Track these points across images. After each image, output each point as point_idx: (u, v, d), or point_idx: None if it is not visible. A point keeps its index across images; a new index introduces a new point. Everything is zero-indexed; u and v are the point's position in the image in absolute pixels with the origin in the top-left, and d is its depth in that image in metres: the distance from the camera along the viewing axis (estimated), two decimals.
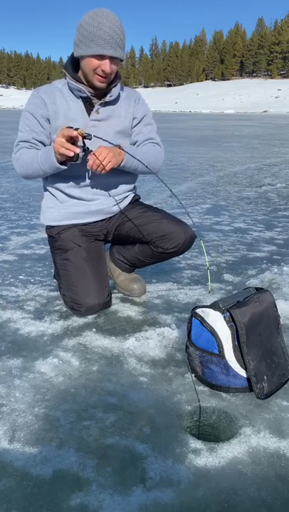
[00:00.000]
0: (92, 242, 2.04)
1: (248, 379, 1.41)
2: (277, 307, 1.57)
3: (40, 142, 1.89)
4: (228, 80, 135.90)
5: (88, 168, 1.78)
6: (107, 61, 1.72)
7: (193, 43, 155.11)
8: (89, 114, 1.87)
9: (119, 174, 1.94)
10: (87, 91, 1.83)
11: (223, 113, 55.03)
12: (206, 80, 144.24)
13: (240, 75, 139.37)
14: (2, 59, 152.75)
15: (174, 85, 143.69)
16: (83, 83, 1.83)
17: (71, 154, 1.67)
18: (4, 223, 3.59)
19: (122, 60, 1.80)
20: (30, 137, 1.88)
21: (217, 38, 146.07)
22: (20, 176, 1.95)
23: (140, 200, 2.19)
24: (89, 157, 1.76)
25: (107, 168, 1.76)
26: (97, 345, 1.75)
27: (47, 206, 2.04)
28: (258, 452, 1.20)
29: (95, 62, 1.73)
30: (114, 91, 1.87)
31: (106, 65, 1.72)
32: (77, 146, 1.70)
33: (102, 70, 1.73)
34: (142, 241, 2.02)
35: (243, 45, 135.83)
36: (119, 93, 1.91)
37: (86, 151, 1.75)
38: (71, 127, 1.69)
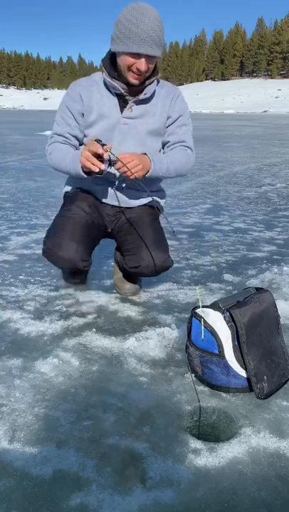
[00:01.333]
0: (95, 214, 2.00)
1: (248, 379, 1.41)
2: (277, 307, 1.57)
3: (73, 136, 1.91)
4: (228, 80, 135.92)
5: (115, 170, 1.77)
6: (143, 60, 1.69)
7: (193, 43, 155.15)
8: (122, 110, 1.86)
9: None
10: (121, 88, 1.81)
11: (223, 113, 55.03)
12: (206, 80, 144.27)
13: (240, 75, 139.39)
14: (2, 59, 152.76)
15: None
16: (118, 79, 1.81)
17: (96, 170, 1.67)
18: (4, 223, 3.59)
19: (159, 57, 1.76)
20: (64, 131, 1.90)
21: (217, 38, 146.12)
22: (50, 166, 1.95)
23: (158, 206, 2.12)
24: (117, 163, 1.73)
25: (136, 175, 1.73)
26: (97, 345, 1.75)
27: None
28: (258, 452, 1.20)
29: (131, 59, 1.70)
30: (150, 89, 1.83)
31: (141, 64, 1.69)
32: (103, 161, 1.69)
33: (138, 68, 1.70)
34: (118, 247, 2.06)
35: (243, 45, 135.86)
36: (154, 90, 1.87)
37: (112, 164, 1.76)
38: (99, 140, 1.70)
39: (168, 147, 1.97)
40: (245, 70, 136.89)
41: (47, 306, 2.09)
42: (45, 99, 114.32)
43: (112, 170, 1.83)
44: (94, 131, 1.86)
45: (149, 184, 1.93)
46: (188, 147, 1.97)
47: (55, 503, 1.04)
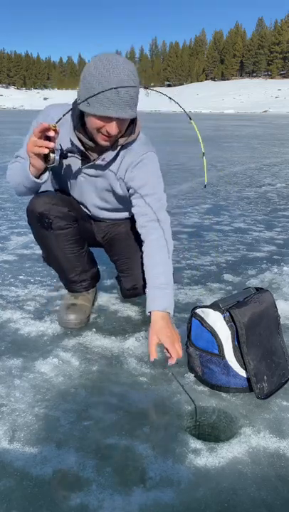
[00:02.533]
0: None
1: (248, 379, 1.41)
2: (277, 307, 1.57)
3: None
4: (228, 80, 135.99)
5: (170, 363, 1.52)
6: (114, 123, 1.46)
7: (193, 43, 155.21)
8: (83, 163, 1.69)
9: (114, 212, 1.87)
10: (83, 148, 1.62)
11: (223, 113, 55.03)
12: (206, 80, 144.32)
13: (240, 75, 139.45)
14: (2, 59, 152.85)
15: (174, 85, 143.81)
16: (85, 135, 1.60)
17: (45, 151, 1.45)
18: (4, 223, 3.59)
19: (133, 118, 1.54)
20: (26, 155, 1.63)
21: (217, 38, 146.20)
22: (15, 193, 1.76)
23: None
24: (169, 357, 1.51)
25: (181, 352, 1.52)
26: (97, 345, 1.75)
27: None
28: (258, 452, 1.20)
29: (99, 122, 1.47)
30: (108, 155, 1.63)
31: (112, 127, 1.47)
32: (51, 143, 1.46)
33: (107, 131, 1.49)
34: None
35: (243, 45, 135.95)
36: (117, 155, 1.66)
37: (63, 153, 1.58)
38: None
39: (137, 216, 1.73)
40: (245, 70, 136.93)
41: (47, 306, 2.09)
42: (45, 99, 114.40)
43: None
44: (56, 171, 1.72)
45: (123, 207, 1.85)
46: (157, 220, 1.69)
47: (55, 503, 1.04)
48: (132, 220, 1.94)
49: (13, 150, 1.95)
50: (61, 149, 1.56)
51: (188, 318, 1.53)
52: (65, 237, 1.78)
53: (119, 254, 1.91)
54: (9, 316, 1.97)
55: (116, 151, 1.64)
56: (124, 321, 1.96)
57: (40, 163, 1.50)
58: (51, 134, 1.43)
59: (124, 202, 1.81)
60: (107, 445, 1.22)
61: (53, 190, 1.83)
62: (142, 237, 1.72)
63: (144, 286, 1.67)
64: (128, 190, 1.73)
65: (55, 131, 1.44)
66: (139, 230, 1.73)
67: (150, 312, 1.57)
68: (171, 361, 1.49)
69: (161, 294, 1.59)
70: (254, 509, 1.03)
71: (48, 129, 1.43)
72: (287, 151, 10.23)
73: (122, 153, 1.67)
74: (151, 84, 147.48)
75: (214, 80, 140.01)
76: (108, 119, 1.46)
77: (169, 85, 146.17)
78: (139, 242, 1.80)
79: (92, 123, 1.50)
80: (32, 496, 1.05)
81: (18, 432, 1.26)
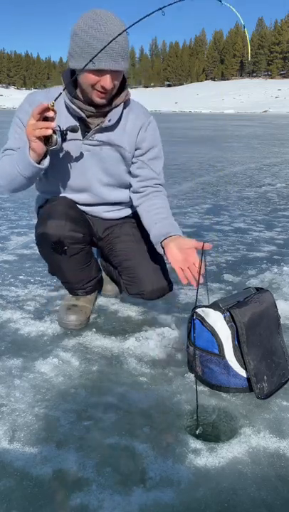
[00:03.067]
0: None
1: (248, 379, 1.41)
2: (278, 307, 1.57)
3: None
4: (228, 80, 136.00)
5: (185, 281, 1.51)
6: (108, 76, 1.46)
7: (193, 43, 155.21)
8: (84, 135, 1.64)
9: (118, 189, 1.82)
10: (83, 112, 1.59)
11: (223, 113, 55.04)
12: (206, 79, 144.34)
13: (240, 75, 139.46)
14: (2, 59, 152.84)
15: (174, 85, 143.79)
16: (81, 99, 1.59)
17: (49, 132, 1.41)
18: (4, 223, 3.59)
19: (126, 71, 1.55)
20: (16, 146, 1.63)
21: (217, 38, 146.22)
22: (5, 189, 1.67)
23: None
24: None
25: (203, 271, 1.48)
26: (97, 345, 1.75)
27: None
28: (258, 452, 1.20)
29: (93, 77, 1.47)
30: (114, 114, 1.61)
31: (106, 81, 1.47)
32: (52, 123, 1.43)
33: (102, 86, 1.48)
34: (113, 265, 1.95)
35: (243, 45, 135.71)
36: (121, 115, 1.65)
37: (64, 134, 1.51)
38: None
39: (138, 182, 1.76)
40: (245, 70, 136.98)
41: (47, 306, 2.09)
42: None
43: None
44: (53, 156, 1.59)
45: (123, 198, 1.85)
46: (160, 184, 1.78)
47: (55, 503, 1.04)
48: (134, 218, 1.94)
49: None
50: (61, 130, 1.50)
51: (188, 318, 1.53)
52: (76, 259, 1.78)
53: (123, 258, 1.84)
54: (9, 316, 1.97)
55: (121, 110, 1.64)
56: (124, 321, 1.96)
57: (41, 147, 1.46)
58: (50, 114, 1.41)
59: (128, 171, 1.79)
60: (107, 445, 1.22)
61: (51, 179, 1.76)
62: (145, 193, 1.75)
63: (150, 292, 1.75)
64: (135, 151, 1.73)
65: (54, 111, 1.41)
66: (141, 189, 1.76)
67: (161, 245, 1.60)
68: (194, 285, 1.47)
69: (164, 223, 1.64)
70: (254, 509, 1.03)
71: (47, 109, 1.40)
72: (287, 151, 10.23)
73: (124, 112, 1.67)
74: (151, 84, 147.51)
75: (214, 80, 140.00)
76: (102, 73, 1.46)
77: (169, 85, 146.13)
78: (144, 245, 1.81)
79: (86, 80, 1.49)
80: (32, 496, 1.05)
81: (18, 432, 1.26)
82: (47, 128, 1.41)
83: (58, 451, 1.19)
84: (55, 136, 1.46)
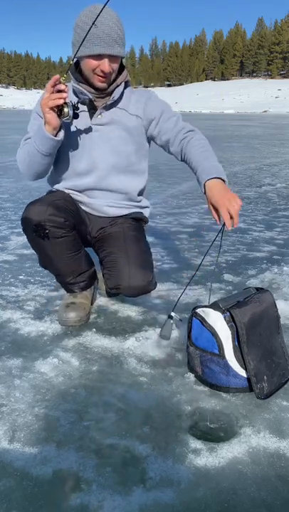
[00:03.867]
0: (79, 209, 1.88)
1: (248, 379, 1.41)
2: (277, 307, 1.57)
3: None
4: (228, 80, 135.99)
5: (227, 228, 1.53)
6: (106, 60, 1.65)
7: (193, 43, 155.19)
8: (91, 117, 1.79)
9: (124, 174, 1.85)
10: (89, 92, 1.75)
11: (223, 113, 55.02)
12: (206, 79, 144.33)
13: (240, 75, 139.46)
14: (2, 59, 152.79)
15: (174, 85, 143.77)
16: (86, 84, 1.76)
17: (61, 101, 1.55)
18: (4, 223, 3.59)
19: (122, 58, 1.71)
20: None
21: (217, 38, 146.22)
22: (26, 175, 1.82)
23: (144, 223, 2.04)
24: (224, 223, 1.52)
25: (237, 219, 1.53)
26: (97, 345, 1.75)
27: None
28: (258, 452, 1.20)
29: (93, 62, 1.66)
30: (116, 92, 1.77)
31: (105, 65, 1.65)
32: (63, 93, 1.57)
33: (102, 70, 1.66)
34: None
35: (243, 45, 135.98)
36: (123, 93, 1.81)
37: (75, 107, 1.63)
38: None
39: (174, 143, 1.81)
40: (245, 70, 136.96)
41: (47, 306, 2.09)
42: None
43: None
44: (64, 140, 1.72)
45: (131, 196, 1.89)
46: (191, 130, 1.83)
47: (55, 503, 1.04)
48: (131, 219, 1.95)
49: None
50: (72, 103, 1.62)
51: (188, 318, 1.53)
52: (61, 245, 1.78)
53: (108, 252, 1.86)
54: (9, 316, 1.97)
55: (122, 88, 1.79)
56: (124, 321, 1.96)
57: (55, 119, 1.60)
58: (62, 87, 1.55)
59: (137, 150, 1.87)
60: (107, 445, 1.22)
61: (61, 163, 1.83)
62: (185, 140, 1.80)
63: (127, 287, 1.74)
64: (149, 126, 1.84)
65: (64, 85, 1.56)
66: (180, 143, 1.81)
67: (204, 185, 1.65)
68: (227, 228, 1.52)
69: (211, 165, 1.72)
70: (254, 509, 1.03)
71: (58, 82, 1.55)
72: (287, 151, 10.23)
73: (126, 92, 1.83)
74: (151, 84, 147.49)
75: (214, 80, 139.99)
76: (100, 57, 1.65)
77: (169, 85, 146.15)
78: (132, 243, 1.83)
79: (87, 65, 1.68)
80: (32, 496, 1.05)
81: (18, 432, 1.26)
82: (59, 98, 1.55)
83: (58, 451, 1.19)
84: (66, 109, 1.59)
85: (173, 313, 1.57)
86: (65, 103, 1.58)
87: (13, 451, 1.19)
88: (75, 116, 1.63)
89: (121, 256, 1.79)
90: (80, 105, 1.72)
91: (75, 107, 1.63)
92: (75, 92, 1.79)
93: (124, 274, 1.74)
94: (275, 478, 1.12)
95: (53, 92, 1.56)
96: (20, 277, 2.44)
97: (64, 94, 1.56)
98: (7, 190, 5.12)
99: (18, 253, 2.84)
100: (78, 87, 1.74)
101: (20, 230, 1.81)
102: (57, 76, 1.55)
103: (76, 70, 1.77)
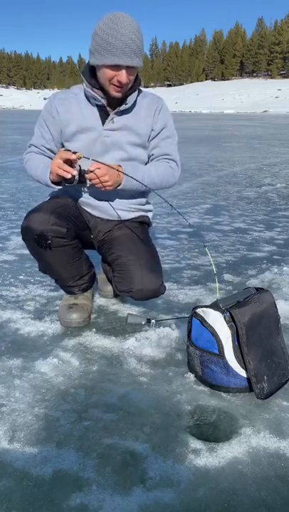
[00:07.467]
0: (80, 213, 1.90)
1: (248, 379, 1.41)
2: (277, 307, 1.57)
3: (48, 149, 1.87)
4: (228, 80, 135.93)
5: (88, 180, 1.69)
6: (124, 71, 1.63)
7: (193, 43, 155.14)
8: (103, 122, 1.79)
9: (131, 163, 1.85)
10: (102, 99, 1.74)
11: (223, 113, 55.02)
12: (206, 80, 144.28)
13: (240, 75, 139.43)
14: (2, 59, 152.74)
15: (174, 85, 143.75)
16: (100, 89, 1.75)
17: (68, 176, 1.62)
18: (4, 223, 3.59)
19: (140, 68, 1.70)
20: (40, 143, 1.86)
21: (217, 38, 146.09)
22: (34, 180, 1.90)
23: (147, 227, 2.05)
24: (88, 173, 1.67)
25: (107, 188, 1.70)
26: (97, 345, 1.75)
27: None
28: (258, 452, 1.20)
29: (111, 72, 1.63)
30: (130, 99, 1.76)
31: (122, 76, 1.63)
32: (75, 169, 1.64)
33: (118, 81, 1.64)
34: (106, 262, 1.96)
35: (243, 45, 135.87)
36: (136, 101, 1.80)
37: (83, 174, 1.69)
38: (69, 150, 1.66)
39: (152, 161, 1.90)
40: (245, 70, 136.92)
41: (47, 306, 2.09)
42: (45, 99, 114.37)
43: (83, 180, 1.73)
44: (75, 144, 1.79)
45: (132, 197, 1.89)
46: (172, 160, 1.90)
47: (55, 503, 1.04)
48: (137, 222, 1.96)
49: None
50: (80, 170, 1.67)
51: (188, 318, 1.53)
52: (62, 253, 1.79)
53: (117, 255, 1.85)
54: (9, 316, 1.97)
55: (136, 95, 1.80)
56: (124, 321, 1.96)
57: (60, 179, 1.69)
58: (74, 157, 1.62)
59: (145, 155, 1.89)
60: (107, 445, 1.22)
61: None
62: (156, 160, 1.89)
63: (140, 290, 1.74)
64: (151, 132, 1.86)
65: (79, 158, 1.63)
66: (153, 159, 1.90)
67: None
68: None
69: (131, 169, 1.76)
70: (254, 509, 1.03)
71: (74, 160, 1.63)
72: (287, 151, 10.23)
73: (138, 97, 1.83)
74: (151, 84, 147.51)
75: (214, 80, 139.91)
76: (118, 68, 1.62)
77: (169, 85, 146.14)
78: (141, 246, 1.84)
79: (104, 75, 1.66)
80: (32, 496, 1.06)
81: (18, 432, 1.26)
82: (68, 172, 1.62)
83: (58, 451, 1.19)
84: (75, 178, 1.65)
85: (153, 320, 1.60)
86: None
87: (13, 451, 1.19)
88: (81, 181, 1.67)
89: (132, 259, 1.79)
90: (91, 111, 1.78)
91: (81, 174, 1.66)
92: (86, 96, 1.79)
93: (137, 278, 1.74)
94: (275, 478, 1.12)
95: (65, 162, 1.63)
96: (20, 277, 2.44)
97: (74, 172, 1.62)
98: (7, 190, 5.12)
99: (18, 253, 2.84)
100: (92, 92, 1.73)
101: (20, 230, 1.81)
102: (73, 156, 1.61)
103: (90, 75, 1.74)
